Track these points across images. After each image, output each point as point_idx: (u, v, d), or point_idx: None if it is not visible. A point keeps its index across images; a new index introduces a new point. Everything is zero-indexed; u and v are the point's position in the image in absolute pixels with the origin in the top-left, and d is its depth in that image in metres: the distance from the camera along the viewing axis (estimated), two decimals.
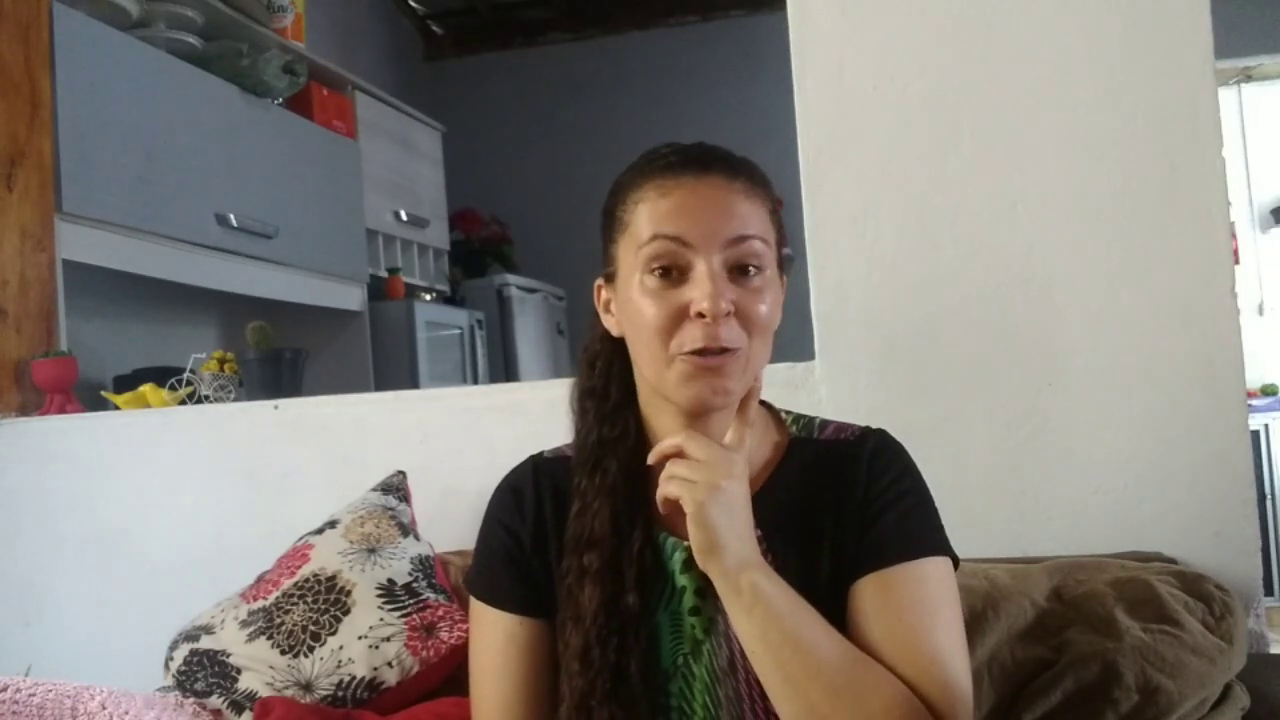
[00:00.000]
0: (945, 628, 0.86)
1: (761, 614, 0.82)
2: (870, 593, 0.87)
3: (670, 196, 0.87)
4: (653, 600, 0.91)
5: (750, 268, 0.87)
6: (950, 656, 0.84)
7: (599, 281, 0.96)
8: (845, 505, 0.91)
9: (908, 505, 0.91)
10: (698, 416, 0.90)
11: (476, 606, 0.98)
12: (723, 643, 0.90)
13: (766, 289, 0.89)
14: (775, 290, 0.91)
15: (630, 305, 0.90)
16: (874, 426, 0.97)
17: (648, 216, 0.88)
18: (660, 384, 0.89)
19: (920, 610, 0.86)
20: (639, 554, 0.90)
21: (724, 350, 0.85)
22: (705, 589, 0.89)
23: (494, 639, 0.95)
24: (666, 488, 0.86)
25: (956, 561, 0.92)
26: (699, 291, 0.85)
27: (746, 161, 0.92)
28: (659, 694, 0.90)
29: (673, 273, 0.87)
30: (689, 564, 0.89)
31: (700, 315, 0.85)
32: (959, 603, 0.90)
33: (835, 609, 0.88)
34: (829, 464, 0.94)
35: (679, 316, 0.86)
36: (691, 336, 0.85)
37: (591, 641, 0.87)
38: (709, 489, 0.84)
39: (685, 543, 0.89)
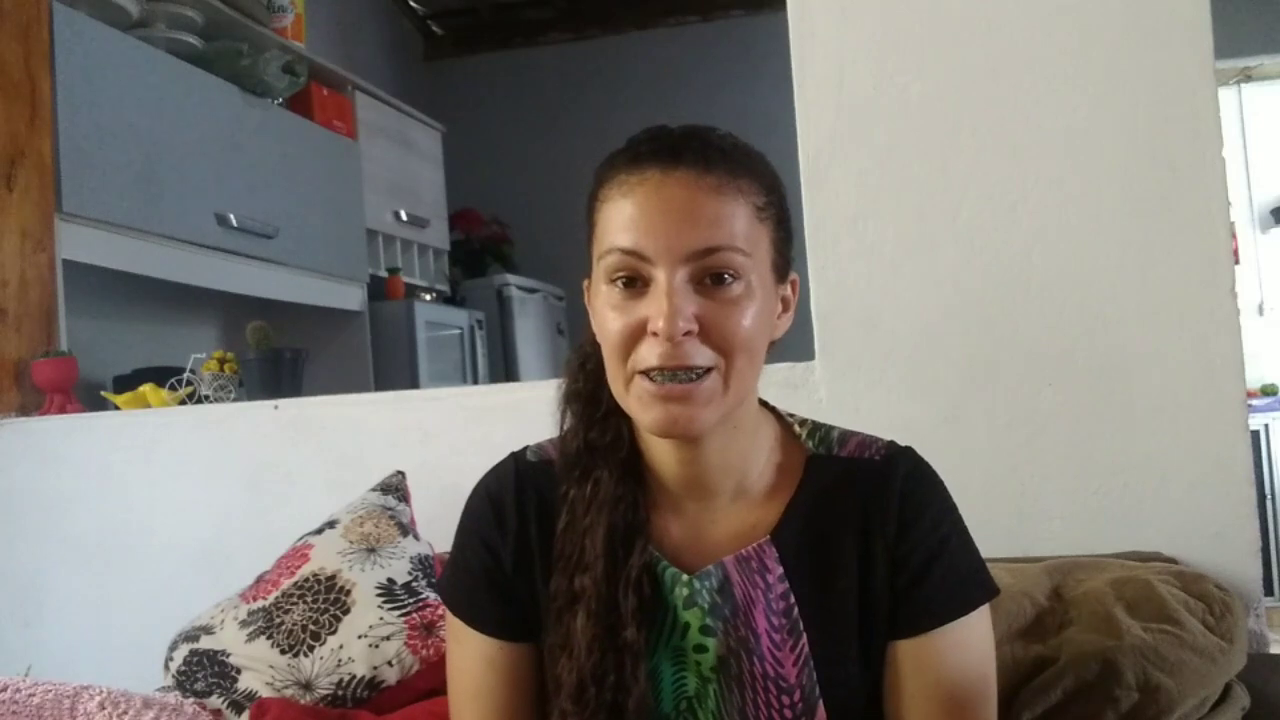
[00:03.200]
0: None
1: None
2: (910, 660, 0.83)
3: (631, 197, 0.77)
4: (653, 635, 0.83)
5: (725, 275, 0.76)
6: None
7: (586, 281, 0.85)
8: (873, 536, 0.83)
9: (951, 559, 0.84)
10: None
11: (454, 622, 0.90)
12: (734, 686, 0.83)
13: (746, 300, 0.77)
14: (761, 299, 0.79)
15: (597, 316, 0.81)
16: (900, 444, 0.88)
17: (607, 223, 0.78)
18: (624, 406, 0.80)
19: (959, 699, 0.82)
20: (636, 581, 0.81)
21: (688, 372, 0.75)
22: (713, 625, 0.82)
23: (473, 662, 0.88)
24: None
25: (997, 591, 0.87)
26: (655, 308, 0.75)
27: (731, 148, 0.80)
28: None
29: (636, 282, 0.77)
30: (691, 600, 0.83)
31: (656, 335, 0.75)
32: (993, 652, 0.87)
33: (861, 640, 0.83)
34: (853, 487, 0.84)
35: (639, 331, 0.76)
36: (649, 352, 0.75)
37: (587, 680, 0.79)
38: None
39: (685, 575, 0.83)
